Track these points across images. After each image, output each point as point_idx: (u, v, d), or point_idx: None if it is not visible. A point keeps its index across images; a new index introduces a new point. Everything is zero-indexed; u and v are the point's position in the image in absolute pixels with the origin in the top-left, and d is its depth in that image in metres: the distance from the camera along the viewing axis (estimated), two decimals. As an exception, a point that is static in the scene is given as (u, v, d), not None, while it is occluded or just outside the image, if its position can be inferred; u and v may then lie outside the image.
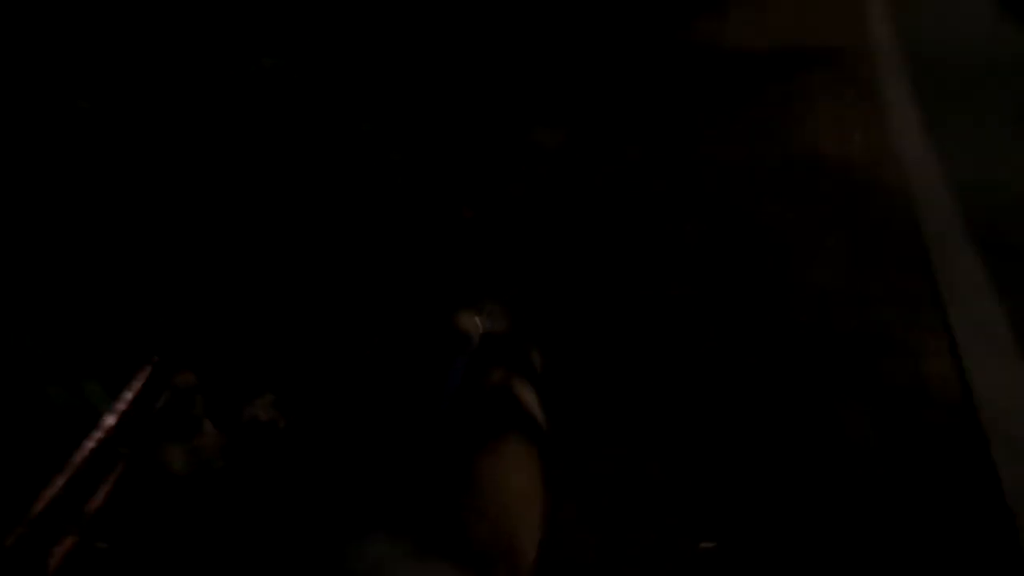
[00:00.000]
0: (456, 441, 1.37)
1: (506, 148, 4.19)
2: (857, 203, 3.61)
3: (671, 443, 2.31)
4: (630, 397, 2.49)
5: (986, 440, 2.31)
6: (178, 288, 2.72)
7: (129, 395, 2.05)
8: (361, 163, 3.74)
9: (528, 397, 1.57)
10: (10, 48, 3.10)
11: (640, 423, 2.39)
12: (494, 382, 1.52)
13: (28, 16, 3.23)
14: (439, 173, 3.86)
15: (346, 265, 3.10)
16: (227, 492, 1.87)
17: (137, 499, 1.85)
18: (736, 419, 2.40)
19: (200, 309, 2.67)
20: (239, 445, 1.97)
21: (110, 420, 1.90)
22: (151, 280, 2.70)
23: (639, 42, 5.74)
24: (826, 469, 2.21)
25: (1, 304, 2.38)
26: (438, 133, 4.25)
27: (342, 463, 1.56)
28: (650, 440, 2.32)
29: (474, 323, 1.67)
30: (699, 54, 5.46)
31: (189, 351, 2.48)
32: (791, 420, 2.40)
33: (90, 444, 1.83)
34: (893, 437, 2.34)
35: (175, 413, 2.03)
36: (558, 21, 5.98)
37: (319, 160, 3.69)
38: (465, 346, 1.59)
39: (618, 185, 3.84)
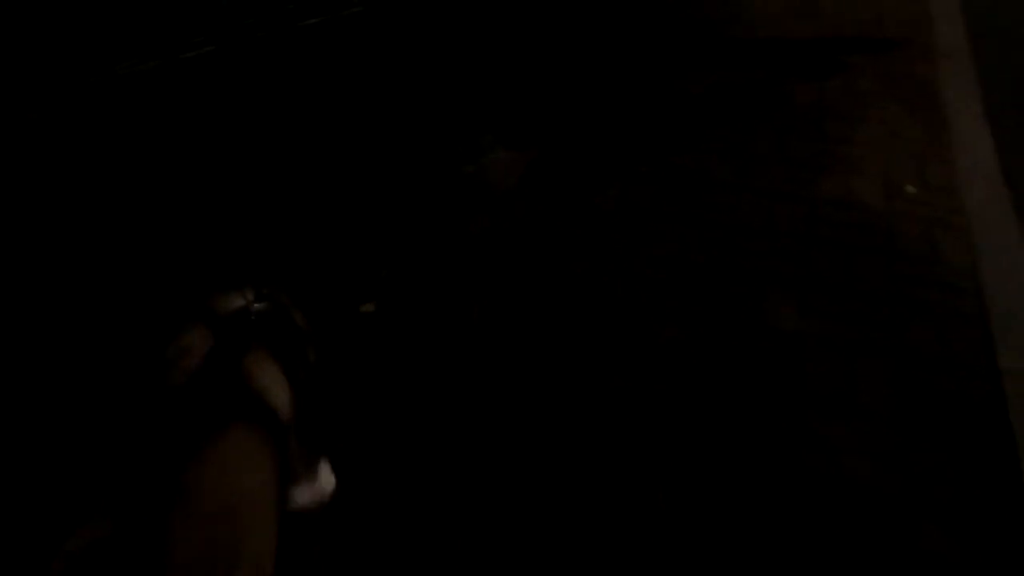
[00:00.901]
0: (168, 435, 1.21)
1: (443, 187, 3.19)
2: (906, 305, 2.61)
3: None
4: None
5: None
6: None
7: None
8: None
9: (267, 382, 1.38)
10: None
11: None
12: (224, 363, 1.35)
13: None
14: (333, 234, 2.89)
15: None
16: None
17: None
18: None
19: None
20: None
21: None
22: None
23: (638, 17, 4.58)
24: None
25: None
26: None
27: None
28: None
29: (235, 303, 1.49)
30: (712, 37, 4.32)
31: None
32: None
33: None
34: None
35: None
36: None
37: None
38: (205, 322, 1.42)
39: (582, 252, 2.85)
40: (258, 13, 3.55)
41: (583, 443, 2.18)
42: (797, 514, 2.00)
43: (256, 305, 1.52)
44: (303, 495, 1.79)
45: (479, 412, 2.27)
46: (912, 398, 2.29)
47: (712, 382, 2.36)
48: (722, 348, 2.47)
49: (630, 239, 2.93)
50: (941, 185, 3.18)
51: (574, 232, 2.96)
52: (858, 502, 2.02)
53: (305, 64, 3.67)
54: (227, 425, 1.28)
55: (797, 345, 2.47)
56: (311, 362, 1.64)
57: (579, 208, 3.08)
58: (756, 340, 2.49)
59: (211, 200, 3.06)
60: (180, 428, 1.24)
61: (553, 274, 2.77)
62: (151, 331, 1.58)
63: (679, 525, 1.97)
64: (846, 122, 3.57)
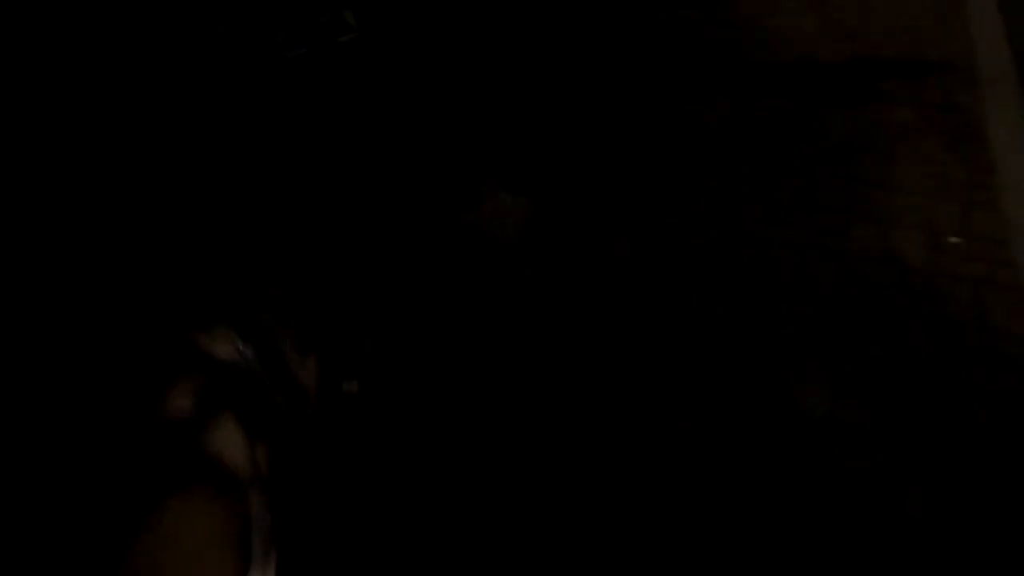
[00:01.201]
0: (106, 506, 1.12)
1: (439, 237, 2.93)
2: (953, 385, 2.32)
3: None
4: None
5: None
6: None
7: None
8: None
9: (221, 445, 1.26)
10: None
11: None
12: (176, 419, 1.24)
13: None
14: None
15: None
16: None
17: None
18: None
19: None
20: None
21: None
22: None
23: (652, 41, 4.30)
24: None
25: None
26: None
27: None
28: None
29: (218, 347, 1.39)
30: (735, 57, 4.03)
31: None
32: None
33: None
34: None
35: None
36: (540, 18, 4.57)
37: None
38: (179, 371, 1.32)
39: (589, 314, 2.59)
40: (245, 44, 3.31)
41: (587, 549, 1.91)
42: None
43: (240, 347, 1.43)
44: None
45: (470, 504, 2.01)
46: (964, 507, 2.00)
47: (733, 480, 2.08)
48: (745, 440, 2.19)
49: (644, 298, 2.66)
50: (988, 236, 2.87)
51: (580, 291, 2.69)
52: (903, 640, 1.74)
53: (292, 99, 3.43)
54: (175, 494, 1.20)
55: (831, 436, 2.19)
56: (293, 407, 1.55)
57: (587, 262, 2.82)
58: (784, 429, 2.21)
59: (197, 227, 2.85)
60: (121, 497, 1.16)
61: (555, 342, 2.50)
62: (116, 377, 1.44)
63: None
64: (882, 161, 3.27)
